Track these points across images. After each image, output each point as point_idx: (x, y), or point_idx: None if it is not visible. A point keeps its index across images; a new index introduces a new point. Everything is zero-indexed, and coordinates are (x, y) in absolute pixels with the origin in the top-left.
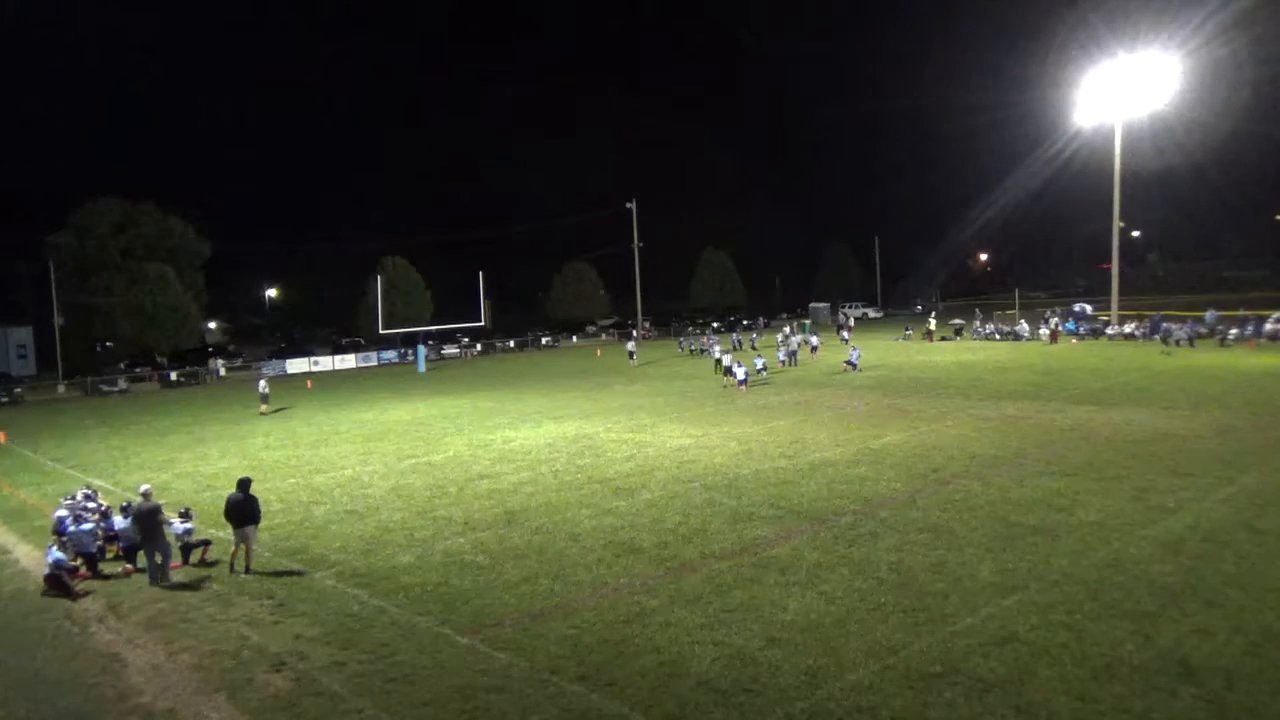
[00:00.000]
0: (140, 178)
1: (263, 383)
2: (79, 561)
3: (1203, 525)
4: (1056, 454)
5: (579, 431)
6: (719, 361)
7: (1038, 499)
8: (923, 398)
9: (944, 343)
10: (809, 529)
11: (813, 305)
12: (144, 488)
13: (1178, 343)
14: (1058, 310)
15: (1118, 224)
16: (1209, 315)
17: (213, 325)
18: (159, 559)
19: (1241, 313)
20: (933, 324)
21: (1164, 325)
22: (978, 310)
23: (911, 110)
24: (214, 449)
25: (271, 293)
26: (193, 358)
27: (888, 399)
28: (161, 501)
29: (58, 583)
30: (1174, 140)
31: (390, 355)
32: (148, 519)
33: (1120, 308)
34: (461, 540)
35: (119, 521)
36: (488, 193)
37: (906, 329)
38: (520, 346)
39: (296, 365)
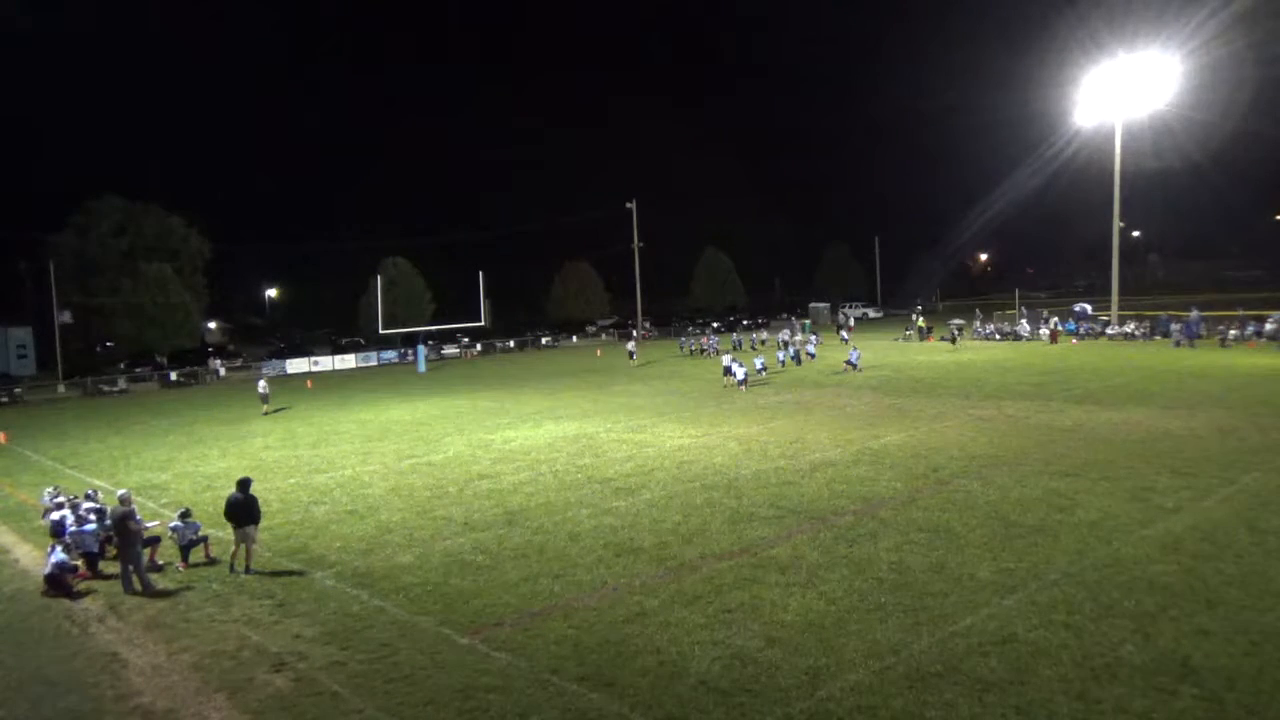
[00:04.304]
0: (141, 178)
1: (262, 383)
2: (80, 561)
3: (1203, 525)
4: (1056, 454)
5: (579, 431)
6: (727, 369)
7: (1038, 499)
8: (922, 398)
9: (943, 343)
10: (809, 529)
11: (813, 305)
12: (121, 492)
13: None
14: (1022, 313)
15: (1118, 224)
16: (1193, 314)
17: (213, 325)
18: (131, 568)
19: (1241, 313)
20: (920, 321)
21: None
22: (978, 310)
23: (912, 110)
24: (214, 449)
25: (271, 293)
26: (193, 358)
27: (888, 399)
28: (162, 501)
29: (58, 583)
30: (1174, 140)
31: (390, 355)
32: (118, 524)
33: (1120, 308)
34: (461, 540)
35: None
36: (487, 192)
37: (907, 330)
38: (520, 346)
39: (296, 365)
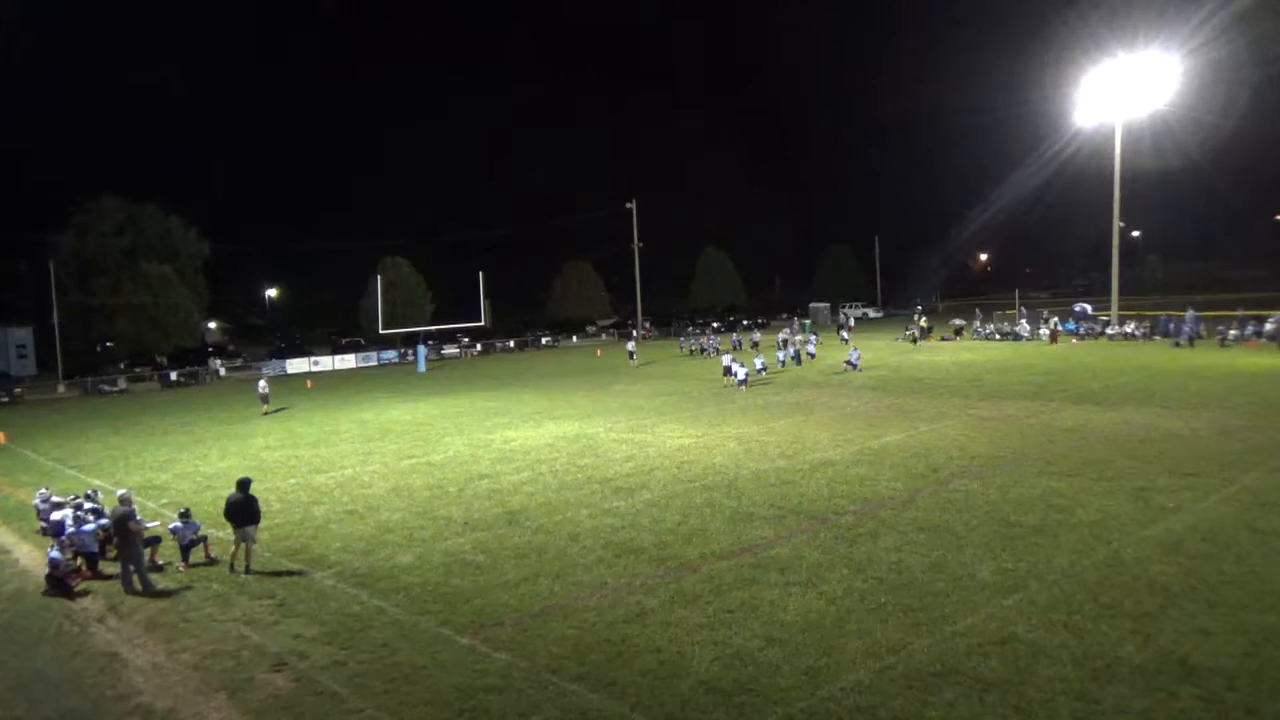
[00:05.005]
0: (141, 178)
1: (262, 383)
2: (79, 561)
3: (1203, 525)
4: (1056, 454)
5: (579, 431)
6: (727, 369)
7: (1038, 499)
8: (922, 398)
9: (943, 343)
10: (809, 529)
11: (813, 305)
12: (121, 492)
13: (914, 339)
14: (1022, 313)
15: (1118, 224)
16: (1189, 314)
17: (213, 325)
18: (131, 569)
19: (1241, 313)
20: (923, 321)
21: (909, 327)
22: (978, 310)
23: (912, 110)
24: (214, 449)
25: (271, 293)
26: (193, 358)
27: (887, 399)
28: (162, 501)
29: (58, 583)
30: (1174, 140)
31: (390, 355)
32: (118, 524)
33: (1120, 308)
34: (461, 540)
35: None
36: (488, 192)
37: (907, 329)
38: (520, 346)
39: (296, 365)
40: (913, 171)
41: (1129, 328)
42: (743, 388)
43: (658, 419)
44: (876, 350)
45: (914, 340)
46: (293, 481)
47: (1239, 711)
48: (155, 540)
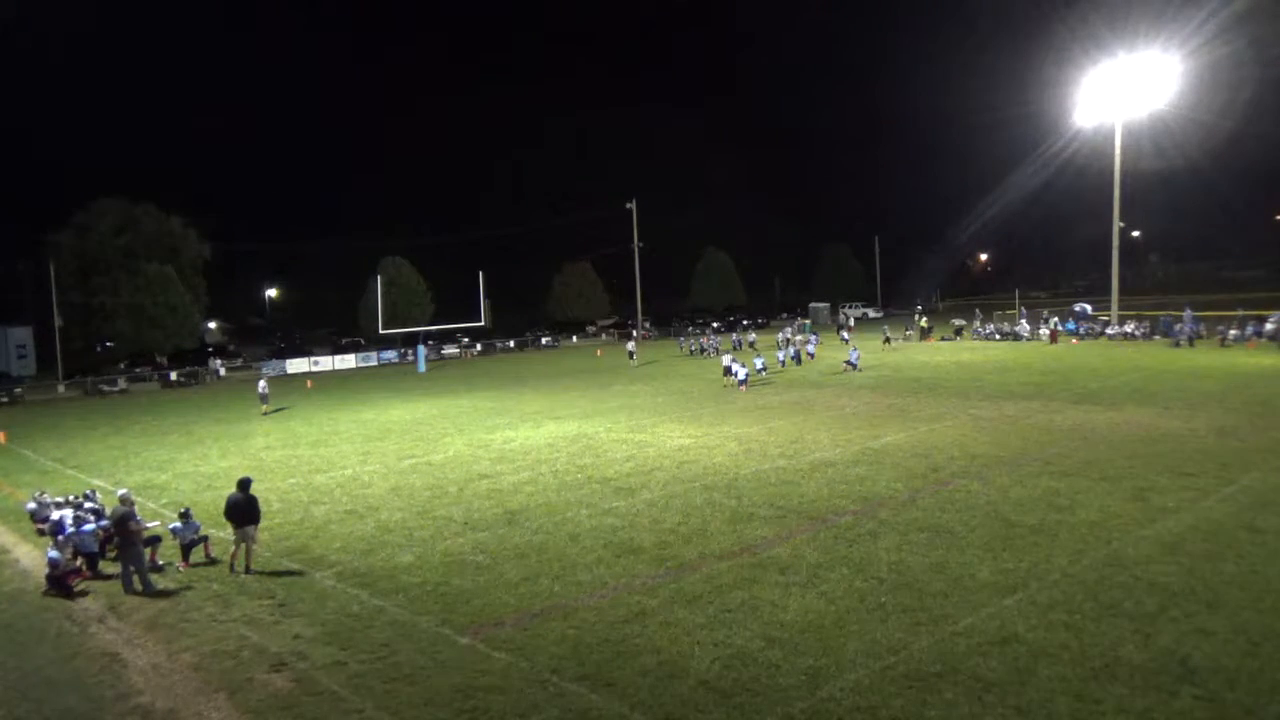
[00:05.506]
0: (141, 178)
1: (262, 383)
2: (80, 562)
3: (1203, 525)
4: (1056, 454)
5: (579, 431)
6: (727, 370)
7: (1038, 499)
8: (922, 398)
9: (943, 343)
10: (809, 529)
11: (813, 305)
12: (121, 492)
13: (886, 339)
14: (1022, 313)
15: (1118, 224)
16: (1186, 314)
17: (213, 325)
18: (131, 569)
19: (1241, 313)
20: (924, 322)
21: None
22: (978, 310)
23: (912, 110)
24: (214, 449)
25: (271, 293)
26: (193, 358)
27: (887, 399)
28: (162, 501)
29: (58, 582)
30: (1174, 140)
31: (390, 355)
32: (118, 525)
33: (1120, 308)
34: (461, 540)
35: None
36: (489, 192)
37: (907, 329)
38: (520, 346)
39: (296, 365)
40: (913, 171)
41: (1129, 328)
42: (743, 388)
43: (658, 419)
44: (876, 350)
45: (885, 340)
46: (293, 481)
47: (1239, 711)
48: (155, 540)
